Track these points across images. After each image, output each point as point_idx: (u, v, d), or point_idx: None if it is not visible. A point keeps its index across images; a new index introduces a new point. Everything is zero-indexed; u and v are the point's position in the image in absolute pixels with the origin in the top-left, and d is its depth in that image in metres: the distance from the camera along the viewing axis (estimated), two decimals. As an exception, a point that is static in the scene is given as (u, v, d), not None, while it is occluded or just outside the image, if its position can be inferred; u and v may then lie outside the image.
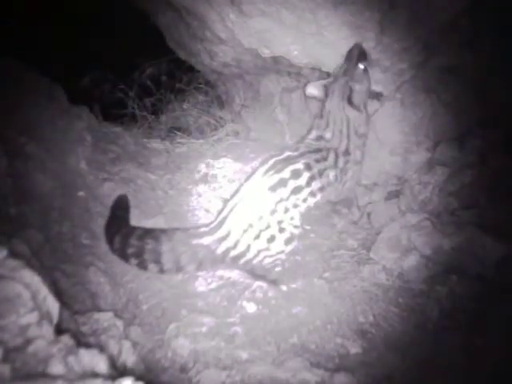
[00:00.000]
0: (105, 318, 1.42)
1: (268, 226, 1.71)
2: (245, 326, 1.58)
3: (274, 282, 1.81)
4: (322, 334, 1.56)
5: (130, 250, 1.67)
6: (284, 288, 1.80)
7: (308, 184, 1.79)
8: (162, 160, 2.76)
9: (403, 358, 1.41)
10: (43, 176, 1.90)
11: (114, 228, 1.79)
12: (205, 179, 2.52)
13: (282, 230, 1.73)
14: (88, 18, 3.87)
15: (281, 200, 1.73)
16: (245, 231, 1.68)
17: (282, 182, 1.74)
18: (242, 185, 1.82)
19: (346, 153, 2.01)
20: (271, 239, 1.72)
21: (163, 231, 1.75)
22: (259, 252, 1.71)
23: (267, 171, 1.76)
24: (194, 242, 1.69)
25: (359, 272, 1.88)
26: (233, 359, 1.44)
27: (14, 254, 1.12)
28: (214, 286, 1.81)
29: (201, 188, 2.46)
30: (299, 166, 1.79)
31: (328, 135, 2.02)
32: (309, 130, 2.14)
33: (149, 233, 1.73)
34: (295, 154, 1.85)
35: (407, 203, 2.13)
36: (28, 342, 0.93)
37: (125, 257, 1.69)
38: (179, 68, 3.50)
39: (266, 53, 2.40)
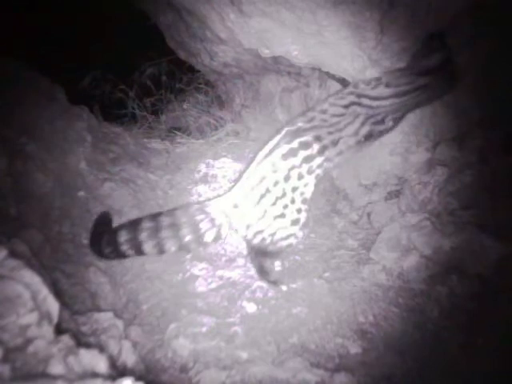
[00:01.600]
0: (105, 317, 1.42)
1: (284, 194, 1.71)
2: (245, 326, 1.58)
3: (274, 283, 1.81)
4: (321, 334, 1.56)
5: (143, 235, 1.61)
6: (284, 288, 1.80)
7: (320, 152, 1.76)
8: (161, 160, 2.77)
9: (403, 358, 1.41)
10: (43, 176, 1.90)
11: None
12: (205, 179, 2.52)
13: (293, 201, 1.73)
14: (88, 18, 3.87)
15: (293, 167, 1.72)
16: (262, 196, 1.69)
17: (292, 152, 1.72)
18: (256, 154, 1.79)
19: (380, 122, 1.92)
20: (286, 207, 1.72)
21: (175, 208, 1.73)
22: (275, 219, 1.71)
23: (279, 141, 1.74)
24: (210, 209, 1.69)
25: (359, 272, 1.88)
26: (233, 359, 1.44)
27: (14, 254, 1.12)
28: (213, 286, 1.81)
29: (201, 188, 2.46)
30: (307, 138, 1.75)
31: (387, 91, 1.91)
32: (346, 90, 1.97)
33: (159, 214, 1.69)
34: (307, 126, 1.79)
35: (407, 203, 2.13)
36: (28, 341, 0.93)
37: (138, 248, 1.62)
38: (179, 68, 3.51)
39: (265, 53, 2.40)
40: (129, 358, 1.32)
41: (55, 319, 1.06)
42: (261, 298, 1.74)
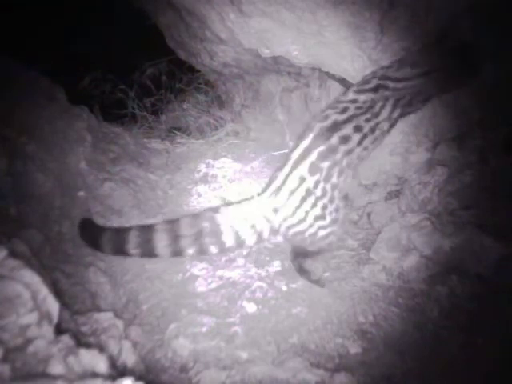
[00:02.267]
0: (105, 318, 1.42)
1: (324, 193, 1.67)
2: (245, 326, 1.58)
3: (316, 282, 1.80)
4: (321, 334, 1.56)
5: (186, 241, 1.60)
6: (284, 288, 1.80)
7: (360, 143, 1.72)
8: (162, 160, 2.77)
9: (403, 358, 1.41)
10: (43, 176, 1.90)
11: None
12: (205, 179, 2.53)
13: (332, 200, 1.69)
14: (88, 18, 3.88)
15: (335, 164, 1.67)
16: (303, 199, 1.65)
17: (332, 149, 1.67)
18: (289, 155, 1.72)
19: (409, 104, 1.88)
20: (325, 207, 1.68)
21: (213, 209, 1.68)
22: (316, 220, 1.68)
23: (314, 139, 1.67)
24: (248, 214, 1.66)
25: (359, 272, 1.88)
26: (233, 359, 1.44)
27: (14, 254, 1.12)
28: (213, 286, 1.81)
29: (201, 188, 2.46)
30: (347, 131, 1.70)
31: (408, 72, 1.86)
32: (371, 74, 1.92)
33: (199, 217, 1.66)
34: (343, 117, 1.71)
35: (407, 203, 2.13)
36: (28, 341, 0.93)
37: (180, 252, 1.61)
38: (179, 68, 3.51)
39: (266, 53, 2.41)
40: (129, 358, 1.32)
41: (55, 319, 1.06)
42: (261, 297, 1.74)
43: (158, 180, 2.52)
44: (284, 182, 1.66)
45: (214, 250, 1.63)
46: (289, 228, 1.70)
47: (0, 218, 1.54)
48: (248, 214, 1.66)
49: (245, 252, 2.03)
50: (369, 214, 2.27)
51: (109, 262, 1.83)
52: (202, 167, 2.59)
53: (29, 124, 2.04)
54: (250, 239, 1.66)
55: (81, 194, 2.09)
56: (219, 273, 1.88)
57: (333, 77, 2.46)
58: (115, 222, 2.04)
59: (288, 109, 2.88)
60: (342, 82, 2.42)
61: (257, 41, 2.36)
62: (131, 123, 3.34)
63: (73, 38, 3.77)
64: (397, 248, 1.87)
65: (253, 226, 1.65)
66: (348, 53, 2.18)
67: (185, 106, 3.49)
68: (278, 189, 1.66)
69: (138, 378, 0.93)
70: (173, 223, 1.63)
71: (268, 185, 1.72)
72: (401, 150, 2.30)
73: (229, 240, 1.62)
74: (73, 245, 1.81)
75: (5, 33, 2.78)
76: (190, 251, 1.61)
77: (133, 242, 1.58)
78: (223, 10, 2.29)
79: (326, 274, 1.89)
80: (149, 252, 1.60)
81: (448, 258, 1.74)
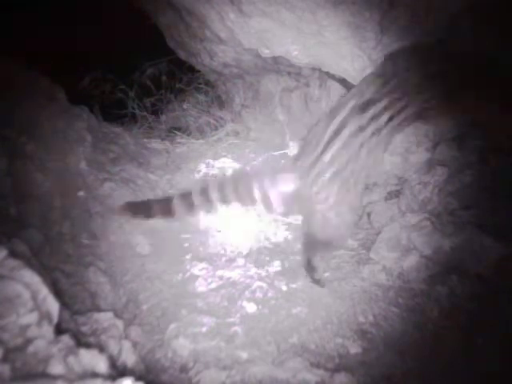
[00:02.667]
0: (105, 318, 1.42)
1: (351, 174, 1.66)
2: (245, 326, 1.58)
3: (318, 282, 1.81)
4: (321, 334, 1.56)
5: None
6: (284, 288, 1.80)
7: (387, 123, 1.68)
8: (162, 160, 2.77)
9: (403, 358, 1.41)
10: (43, 176, 1.90)
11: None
12: (205, 179, 2.52)
13: (356, 184, 1.69)
14: (88, 18, 3.88)
15: (362, 144, 1.64)
16: (331, 179, 1.65)
17: (362, 128, 1.64)
18: (323, 133, 1.69)
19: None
20: (348, 190, 1.69)
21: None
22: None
23: (348, 117, 1.65)
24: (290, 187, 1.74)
25: (359, 272, 1.88)
26: (233, 359, 1.44)
27: (14, 254, 1.12)
28: (213, 285, 1.81)
29: (201, 188, 2.45)
30: (378, 109, 1.66)
31: None
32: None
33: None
34: (377, 96, 1.67)
35: (407, 203, 2.13)
36: (28, 341, 0.93)
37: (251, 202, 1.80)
38: (179, 68, 3.51)
39: (266, 53, 2.41)
40: (129, 358, 1.32)
41: (55, 319, 1.06)
42: (261, 297, 1.75)
43: (158, 180, 2.52)
44: (317, 160, 1.67)
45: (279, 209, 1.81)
46: (314, 203, 1.72)
47: (0, 218, 1.54)
48: (289, 187, 1.74)
49: (245, 252, 2.03)
50: (369, 214, 2.27)
51: (109, 261, 1.84)
52: (202, 167, 2.59)
53: (29, 124, 2.04)
54: (293, 210, 1.84)
55: (81, 193, 2.08)
56: (219, 273, 1.88)
57: (333, 77, 2.46)
58: (116, 222, 2.04)
59: (288, 109, 2.88)
60: (342, 82, 2.42)
61: (257, 41, 2.36)
62: (131, 123, 3.34)
63: (73, 37, 3.77)
64: (397, 248, 1.87)
65: (291, 195, 1.73)
66: (348, 53, 2.18)
67: (185, 106, 3.49)
68: (312, 165, 1.68)
69: (137, 378, 0.94)
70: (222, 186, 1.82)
71: (304, 159, 1.73)
72: (401, 150, 2.30)
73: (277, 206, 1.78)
74: (73, 245, 1.81)
75: (5, 33, 2.78)
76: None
77: (198, 201, 1.83)
78: (223, 10, 2.29)
79: (326, 274, 1.89)
80: (209, 208, 1.85)
81: (448, 258, 1.74)
